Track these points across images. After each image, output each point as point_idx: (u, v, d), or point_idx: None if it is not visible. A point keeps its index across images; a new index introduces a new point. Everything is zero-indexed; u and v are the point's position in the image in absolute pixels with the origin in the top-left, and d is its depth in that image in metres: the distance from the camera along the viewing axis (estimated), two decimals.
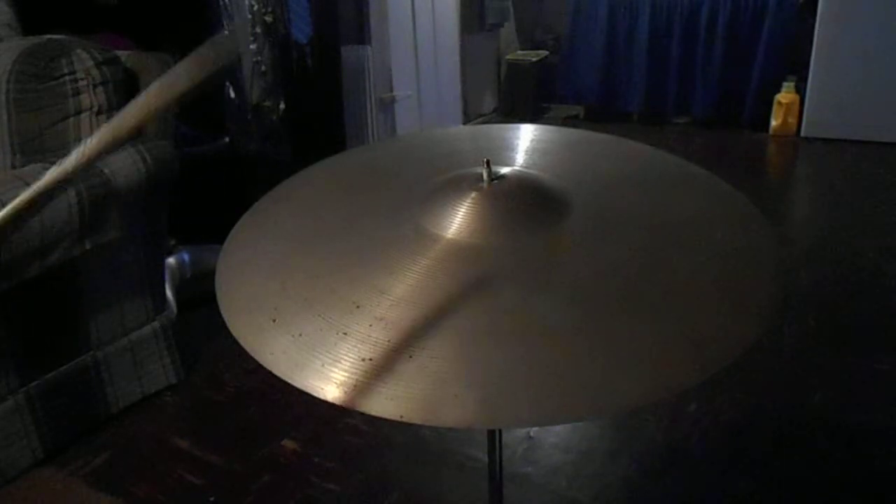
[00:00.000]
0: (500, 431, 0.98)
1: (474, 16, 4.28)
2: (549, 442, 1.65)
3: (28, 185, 0.73)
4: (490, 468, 0.98)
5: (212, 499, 1.53)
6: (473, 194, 0.76)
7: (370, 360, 0.64)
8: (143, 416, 1.79)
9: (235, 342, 0.72)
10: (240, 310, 0.75)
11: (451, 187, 0.79)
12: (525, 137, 1.01)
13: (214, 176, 2.54)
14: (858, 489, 1.49)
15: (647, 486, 1.54)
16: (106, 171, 1.60)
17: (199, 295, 2.17)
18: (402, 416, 0.60)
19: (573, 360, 0.63)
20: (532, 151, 0.96)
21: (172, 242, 2.30)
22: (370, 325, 0.66)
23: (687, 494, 1.51)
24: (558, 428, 1.68)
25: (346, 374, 0.63)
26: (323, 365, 0.65)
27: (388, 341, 0.64)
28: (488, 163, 0.78)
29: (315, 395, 0.64)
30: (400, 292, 0.69)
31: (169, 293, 2.08)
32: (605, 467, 1.58)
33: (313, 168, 1.00)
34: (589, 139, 1.03)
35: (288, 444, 1.68)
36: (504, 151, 0.95)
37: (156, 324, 1.83)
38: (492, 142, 1.03)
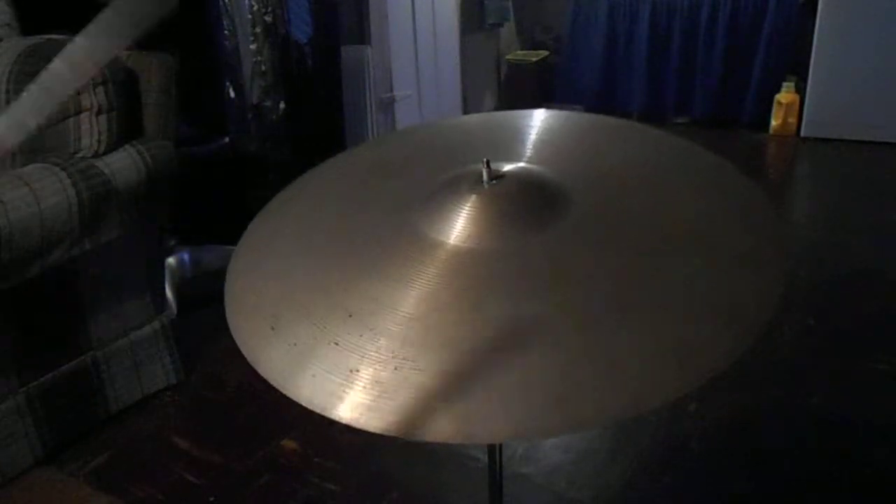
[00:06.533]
0: None
1: (474, 16, 4.28)
2: (549, 442, 1.65)
3: (27, 184, 0.72)
4: (490, 468, 0.98)
5: (212, 499, 1.53)
6: (472, 197, 0.75)
7: (357, 371, 0.64)
8: (143, 416, 1.79)
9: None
10: (242, 316, 0.75)
11: (450, 189, 0.78)
12: (534, 125, 0.98)
13: (214, 176, 2.54)
14: (858, 489, 1.49)
15: (647, 486, 1.54)
16: (106, 171, 1.60)
17: (199, 295, 2.18)
18: (384, 430, 0.60)
19: (555, 374, 0.62)
20: (540, 142, 0.93)
21: (172, 242, 2.30)
22: (361, 336, 0.66)
23: (687, 494, 1.51)
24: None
25: (334, 386, 0.63)
26: (314, 375, 0.65)
27: (377, 352, 0.64)
28: (488, 163, 0.77)
29: (304, 405, 0.64)
30: (392, 301, 0.68)
31: (169, 293, 2.08)
32: (605, 467, 1.57)
33: (323, 166, 0.99)
34: (603, 125, 1.00)
35: (288, 444, 1.68)
36: (512, 142, 0.93)
37: (156, 324, 1.83)
38: (500, 132, 1.01)
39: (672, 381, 0.61)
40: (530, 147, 0.92)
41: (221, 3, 2.48)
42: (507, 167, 0.81)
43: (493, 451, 0.97)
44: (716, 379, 0.60)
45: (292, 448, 1.67)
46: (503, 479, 0.99)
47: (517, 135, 0.96)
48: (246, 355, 0.70)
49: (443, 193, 0.78)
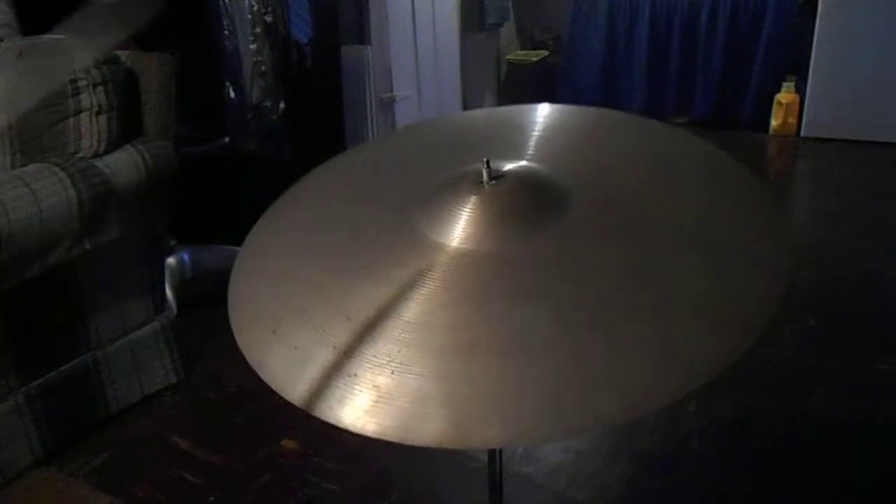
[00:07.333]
0: None
1: (474, 16, 4.28)
2: None
3: (27, 185, 0.73)
4: (490, 468, 0.98)
5: (212, 499, 1.53)
6: (472, 198, 0.75)
7: (355, 375, 0.64)
8: (143, 416, 1.79)
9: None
10: (245, 320, 0.76)
11: (450, 189, 0.78)
12: (536, 120, 0.97)
13: (214, 176, 2.54)
14: (858, 489, 1.49)
15: (647, 485, 1.53)
16: (106, 170, 1.60)
17: (199, 295, 2.17)
18: (379, 434, 0.61)
19: (547, 379, 0.62)
20: (542, 138, 0.92)
21: (172, 242, 2.30)
22: (359, 339, 0.66)
23: (687, 494, 1.51)
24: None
25: (332, 390, 0.64)
26: (312, 379, 0.65)
27: (374, 356, 0.65)
28: (488, 163, 0.77)
29: (304, 409, 0.64)
30: (390, 304, 0.68)
31: (169, 293, 2.08)
32: (605, 467, 1.57)
33: (325, 166, 0.99)
34: (606, 119, 0.99)
35: (288, 444, 1.68)
36: (513, 138, 0.93)
37: (156, 324, 1.83)
38: (502, 128, 1.00)
39: (671, 383, 0.61)
40: (532, 143, 0.91)
41: (221, 3, 2.48)
42: (508, 166, 0.80)
43: (493, 451, 0.97)
44: (716, 379, 0.60)
45: (292, 448, 1.66)
46: (503, 479, 0.99)
47: (519, 130, 0.95)
48: (248, 359, 0.71)
49: (443, 194, 0.78)
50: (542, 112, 0.98)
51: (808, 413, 1.73)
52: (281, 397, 0.67)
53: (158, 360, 1.85)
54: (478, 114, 1.14)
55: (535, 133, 0.94)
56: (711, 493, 1.51)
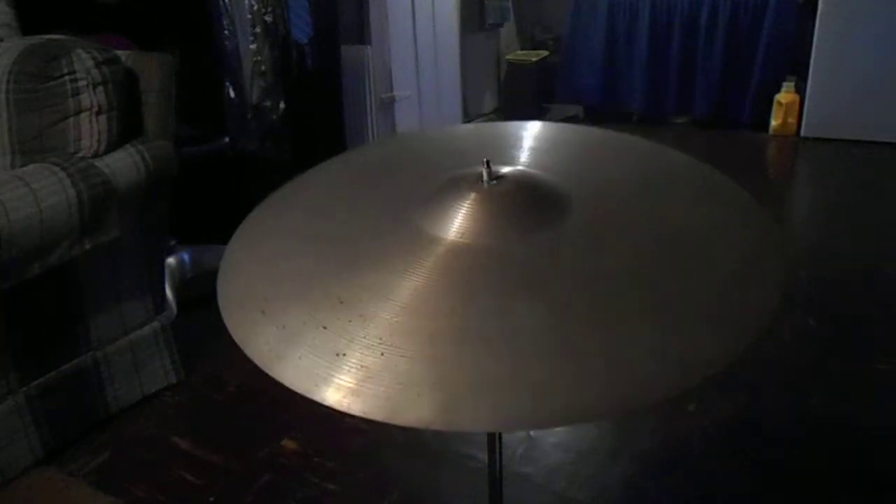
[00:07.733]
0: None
1: (474, 16, 4.28)
2: (548, 442, 1.65)
3: (28, 185, 0.73)
4: (490, 468, 0.98)
5: (212, 499, 1.53)
6: (472, 195, 0.76)
7: (344, 355, 0.64)
8: (143, 416, 1.79)
9: (235, 342, 0.73)
10: (234, 301, 0.77)
11: (450, 187, 0.79)
12: (531, 135, 0.99)
13: (214, 176, 2.54)
14: (858, 489, 1.49)
15: (647, 486, 1.54)
16: (106, 170, 1.60)
17: (199, 295, 2.17)
18: (365, 413, 0.61)
19: (538, 368, 0.63)
20: (538, 151, 0.95)
21: (172, 242, 2.30)
22: (350, 322, 0.67)
23: (687, 494, 1.51)
24: (558, 427, 1.68)
25: (319, 368, 0.64)
26: (300, 357, 0.66)
27: (364, 338, 0.65)
28: (488, 163, 0.77)
29: (289, 386, 0.65)
30: (384, 290, 0.69)
31: (169, 293, 2.08)
32: (605, 467, 1.58)
33: (323, 165, 1.01)
34: (600, 137, 1.01)
35: (288, 444, 1.68)
36: (510, 149, 0.94)
37: (156, 324, 1.83)
38: (498, 139, 1.02)
39: (664, 379, 0.62)
40: (528, 154, 0.94)
41: (221, 3, 2.48)
42: (507, 169, 0.81)
43: (493, 450, 0.97)
44: (716, 379, 0.60)
45: (292, 448, 1.67)
46: (503, 479, 0.99)
47: (514, 142, 0.98)
48: (234, 336, 0.71)
49: (443, 192, 0.79)
50: (535, 128, 1.01)
51: (808, 413, 1.73)
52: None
53: (158, 360, 1.85)
54: (470, 128, 1.17)
55: (531, 146, 0.96)
56: (711, 493, 1.51)
